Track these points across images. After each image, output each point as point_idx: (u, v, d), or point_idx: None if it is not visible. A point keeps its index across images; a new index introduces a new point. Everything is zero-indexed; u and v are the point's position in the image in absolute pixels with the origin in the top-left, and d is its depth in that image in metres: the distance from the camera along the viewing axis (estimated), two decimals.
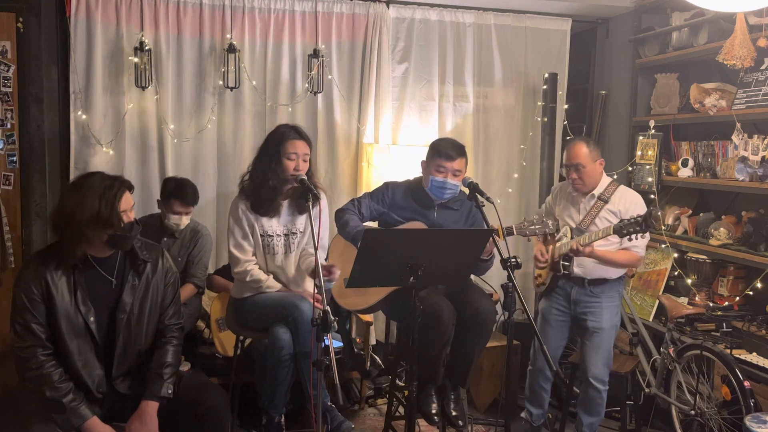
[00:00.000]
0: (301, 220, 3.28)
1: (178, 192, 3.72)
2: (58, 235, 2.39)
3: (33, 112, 4.03)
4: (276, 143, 3.18)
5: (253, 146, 4.26)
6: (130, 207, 2.42)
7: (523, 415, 3.64)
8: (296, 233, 3.28)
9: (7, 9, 3.96)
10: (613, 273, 3.37)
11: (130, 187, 2.46)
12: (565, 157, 3.40)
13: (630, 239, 3.15)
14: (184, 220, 3.77)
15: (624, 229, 3.08)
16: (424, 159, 3.29)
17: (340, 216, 3.24)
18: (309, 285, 3.23)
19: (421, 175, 3.33)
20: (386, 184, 3.36)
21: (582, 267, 3.33)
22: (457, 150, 3.19)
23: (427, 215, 3.24)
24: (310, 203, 2.81)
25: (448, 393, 3.18)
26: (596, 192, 3.37)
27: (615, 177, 4.53)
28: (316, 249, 2.68)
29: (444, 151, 3.17)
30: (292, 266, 3.30)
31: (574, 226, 3.36)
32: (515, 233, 3.22)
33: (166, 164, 4.23)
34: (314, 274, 3.05)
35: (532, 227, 3.17)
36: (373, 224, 3.40)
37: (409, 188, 3.32)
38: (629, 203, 3.33)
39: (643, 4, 4.51)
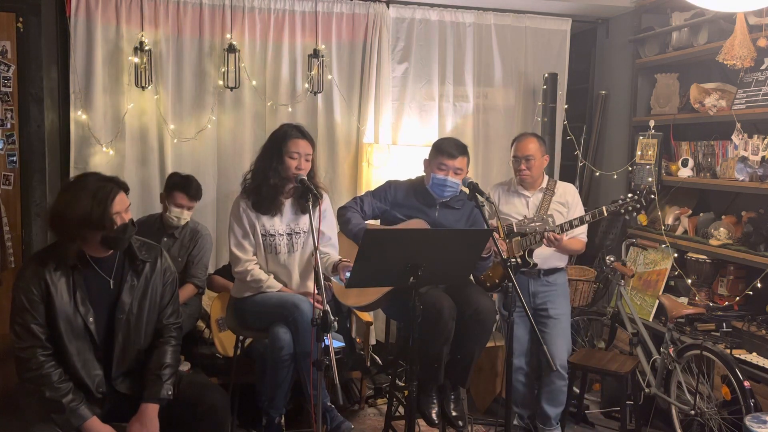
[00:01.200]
0: (305, 220, 3.27)
1: (183, 185, 3.73)
2: (53, 233, 2.40)
3: (33, 112, 4.03)
4: (278, 142, 3.18)
5: (253, 146, 4.27)
6: (125, 208, 2.40)
7: (515, 422, 3.65)
8: (300, 233, 3.28)
9: (7, 9, 3.96)
10: (562, 262, 3.57)
11: (125, 188, 2.44)
12: (516, 149, 3.51)
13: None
14: (185, 215, 3.76)
15: (622, 208, 3.24)
16: (427, 158, 3.31)
17: (342, 213, 3.25)
18: (312, 284, 3.23)
19: (423, 175, 3.33)
20: (388, 183, 3.37)
21: (539, 258, 3.42)
22: (458, 149, 3.21)
23: (428, 213, 3.25)
24: (311, 203, 2.81)
25: (448, 393, 3.18)
26: (543, 185, 3.54)
27: (615, 176, 4.56)
28: (315, 249, 2.68)
29: (446, 149, 3.20)
30: (296, 265, 3.29)
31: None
32: (516, 230, 3.23)
33: (166, 164, 4.23)
34: (333, 271, 3.07)
35: (533, 225, 3.21)
36: (375, 222, 3.40)
37: (411, 186, 3.33)
38: (574, 193, 3.58)
39: (643, 4, 4.51)
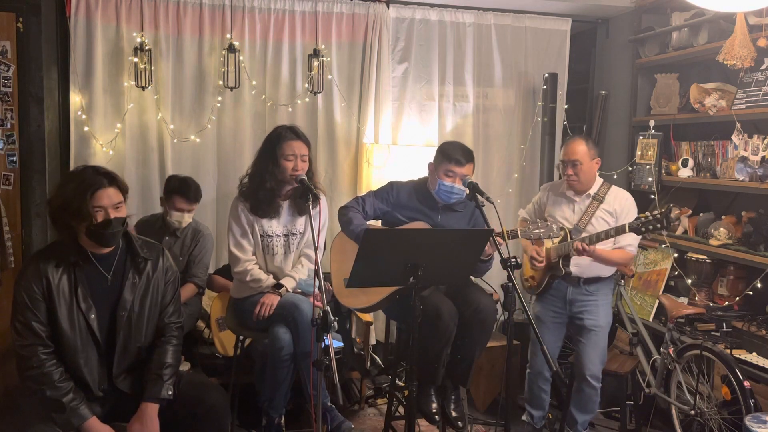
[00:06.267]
0: (301, 221, 3.29)
1: (182, 189, 3.73)
2: (50, 221, 2.43)
3: (33, 112, 4.02)
4: (273, 145, 3.19)
5: (253, 146, 4.26)
6: (113, 204, 2.37)
7: (524, 418, 3.65)
8: (296, 234, 3.29)
9: (7, 9, 3.96)
10: (607, 271, 3.40)
11: (120, 186, 2.42)
12: (563, 152, 3.41)
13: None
14: (186, 218, 3.76)
15: (643, 227, 3.09)
16: (432, 161, 3.27)
17: (343, 213, 3.20)
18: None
19: (426, 175, 3.31)
20: (391, 184, 3.35)
21: (578, 266, 3.34)
22: (466, 156, 3.16)
23: (431, 216, 3.23)
24: (310, 203, 2.81)
25: (449, 393, 3.18)
26: (591, 192, 3.39)
27: (615, 176, 4.56)
28: (315, 249, 2.68)
29: (453, 155, 3.13)
30: (290, 267, 3.30)
31: (569, 226, 3.37)
32: (519, 236, 3.22)
33: (166, 164, 4.23)
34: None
35: (537, 230, 3.17)
36: (377, 223, 3.39)
37: (414, 188, 3.31)
38: (624, 202, 3.37)
39: (643, 4, 4.51)
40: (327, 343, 2.46)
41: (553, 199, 3.51)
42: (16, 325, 2.35)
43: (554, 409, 3.85)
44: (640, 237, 3.28)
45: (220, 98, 4.29)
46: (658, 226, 3.07)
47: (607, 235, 3.18)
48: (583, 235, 3.27)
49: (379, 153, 4.41)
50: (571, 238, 3.29)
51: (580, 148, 3.32)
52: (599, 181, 3.44)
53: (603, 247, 3.27)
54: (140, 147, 4.22)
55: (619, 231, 3.16)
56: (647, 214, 3.12)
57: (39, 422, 2.32)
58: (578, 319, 3.40)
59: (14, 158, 4.05)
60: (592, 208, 3.35)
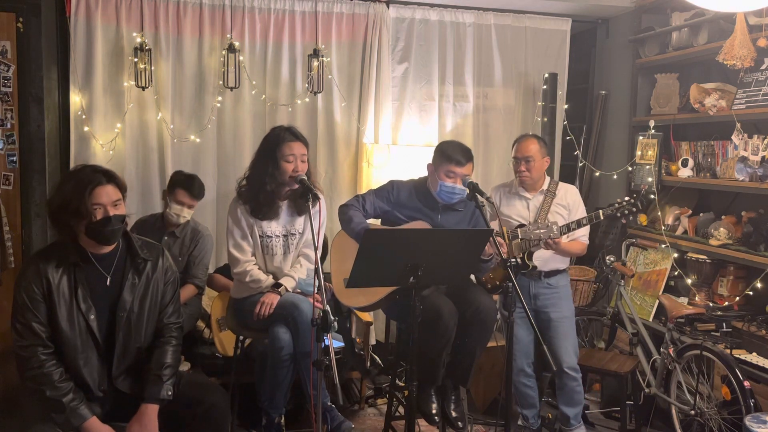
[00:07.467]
0: (300, 221, 3.28)
1: (187, 182, 3.73)
2: (49, 221, 2.44)
3: (33, 112, 4.03)
4: (272, 146, 3.17)
5: (253, 146, 4.26)
6: (111, 202, 2.37)
7: (519, 422, 3.65)
8: (295, 234, 3.29)
9: (7, 9, 3.97)
10: (563, 263, 3.55)
11: (118, 184, 2.42)
12: (516, 150, 3.51)
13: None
14: (185, 213, 3.75)
15: (618, 212, 3.26)
16: (430, 162, 3.25)
17: (344, 212, 3.19)
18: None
19: (426, 175, 3.31)
20: (391, 183, 3.34)
21: (539, 260, 3.42)
22: (466, 155, 3.15)
23: (431, 216, 3.23)
24: (310, 203, 2.81)
25: (449, 393, 3.18)
26: (544, 187, 3.53)
27: (615, 177, 4.56)
28: (315, 249, 2.68)
29: (454, 156, 3.12)
30: (289, 267, 3.30)
31: (526, 222, 3.43)
32: (520, 237, 3.22)
33: (166, 164, 4.23)
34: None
35: (537, 231, 3.21)
36: (377, 222, 3.39)
37: (414, 188, 3.30)
38: (575, 196, 3.55)
39: (643, 4, 4.51)
40: (327, 343, 2.46)
41: (505, 199, 3.59)
42: (17, 326, 2.35)
43: (554, 409, 3.85)
44: (588, 226, 3.43)
45: (220, 98, 4.30)
46: (634, 210, 3.24)
47: (579, 224, 3.31)
48: (558, 231, 3.32)
49: (379, 153, 4.41)
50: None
51: (533, 146, 3.46)
52: (548, 178, 3.58)
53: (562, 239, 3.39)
54: (140, 147, 4.23)
55: (592, 219, 3.30)
56: (619, 200, 3.29)
57: (39, 422, 2.32)
58: (544, 313, 3.48)
59: (14, 158, 4.05)
60: (546, 203, 3.49)
